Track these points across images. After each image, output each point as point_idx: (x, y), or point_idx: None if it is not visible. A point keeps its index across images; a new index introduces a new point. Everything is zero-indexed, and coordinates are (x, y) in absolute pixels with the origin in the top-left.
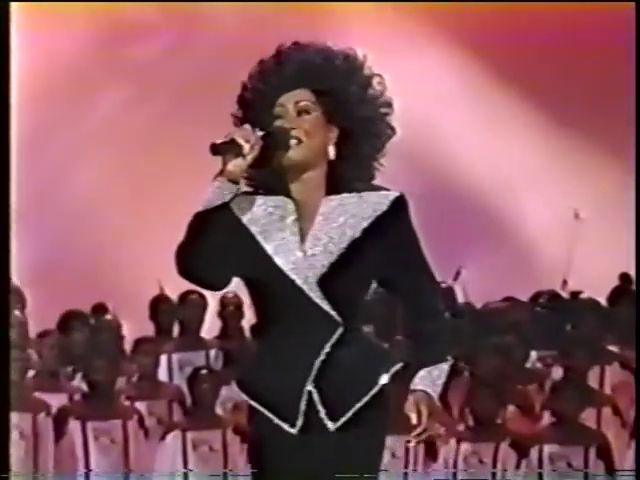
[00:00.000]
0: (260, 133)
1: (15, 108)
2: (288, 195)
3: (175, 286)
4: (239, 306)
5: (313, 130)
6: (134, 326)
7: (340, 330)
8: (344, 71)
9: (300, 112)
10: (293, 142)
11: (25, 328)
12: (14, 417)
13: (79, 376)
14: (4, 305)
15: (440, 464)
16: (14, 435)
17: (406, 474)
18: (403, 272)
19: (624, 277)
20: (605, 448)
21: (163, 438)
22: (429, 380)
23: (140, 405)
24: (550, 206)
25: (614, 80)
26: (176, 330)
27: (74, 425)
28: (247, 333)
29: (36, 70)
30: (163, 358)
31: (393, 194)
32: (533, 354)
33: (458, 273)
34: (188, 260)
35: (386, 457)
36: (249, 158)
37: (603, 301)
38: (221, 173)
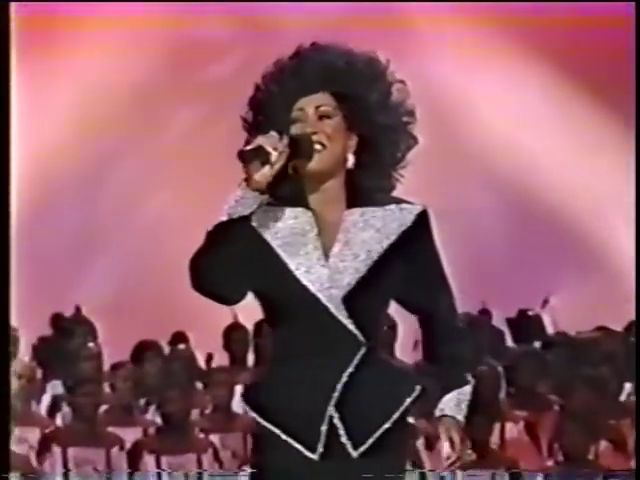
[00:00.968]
0: (286, 140)
1: (91, 129)
2: (307, 206)
3: (250, 314)
4: None
5: (335, 135)
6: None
7: (363, 350)
8: (367, 76)
9: (321, 117)
10: (318, 147)
11: (98, 360)
12: (87, 452)
13: (152, 408)
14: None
15: None
16: (87, 470)
17: None
18: (424, 291)
19: None
20: None
21: (238, 472)
22: (455, 404)
23: (214, 438)
24: None
25: None
26: (251, 359)
27: (148, 459)
28: None
29: (111, 90)
30: (238, 389)
31: (417, 208)
32: (627, 386)
33: (546, 301)
34: (203, 271)
35: None
36: (276, 167)
37: None
38: (246, 182)
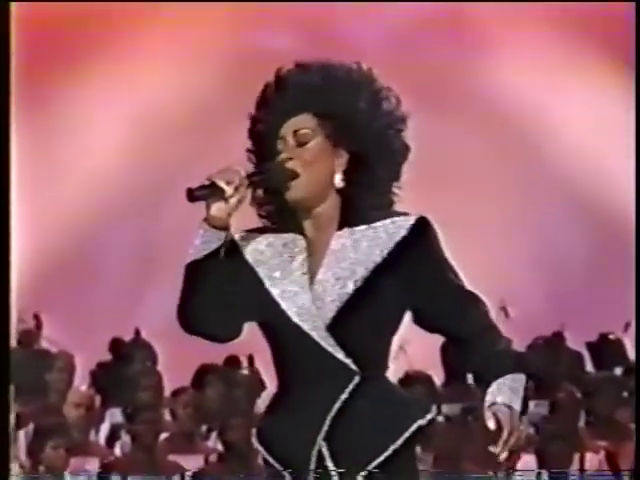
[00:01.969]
0: (244, 173)
1: (144, 150)
2: (301, 232)
3: None
4: None
5: (315, 160)
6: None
7: (356, 380)
8: (348, 88)
9: (300, 142)
10: (289, 177)
11: (158, 386)
12: None
13: (214, 435)
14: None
15: None
16: None
17: None
18: (434, 304)
19: None
20: None
21: None
22: (508, 389)
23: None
24: None
25: None
26: None
27: None
28: None
29: (171, 105)
30: None
31: (412, 218)
32: None
33: (628, 325)
34: (187, 317)
35: None
36: (233, 201)
37: None
38: (205, 221)
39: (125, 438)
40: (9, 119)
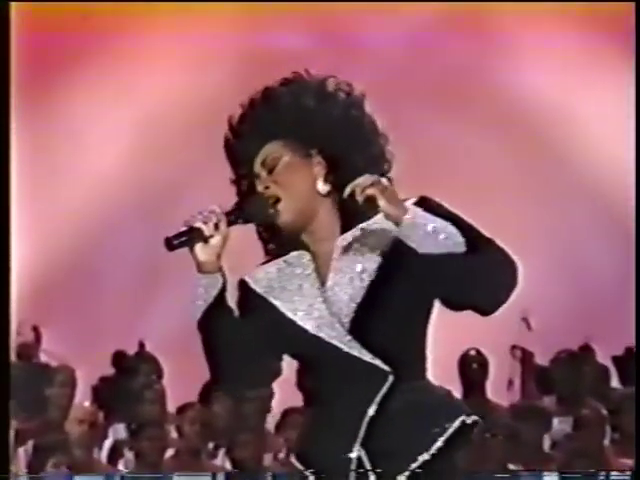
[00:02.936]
0: (219, 212)
1: (149, 153)
2: (306, 248)
3: None
4: None
5: (289, 179)
6: (282, 396)
7: (390, 380)
8: (289, 99)
9: (269, 169)
10: (271, 203)
11: (163, 401)
12: None
13: (222, 453)
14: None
15: None
16: None
17: None
18: (456, 284)
19: None
20: None
21: None
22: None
23: None
24: None
25: None
26: None
27: None
28: None
29: (176, 107)
30: None
31: (410, 200)
32: None
33: None
34: (221, 379)
35: None
36: (215, 241)
37: None
38: (197, 269)
39: (129, 455)
40: (9, 120)
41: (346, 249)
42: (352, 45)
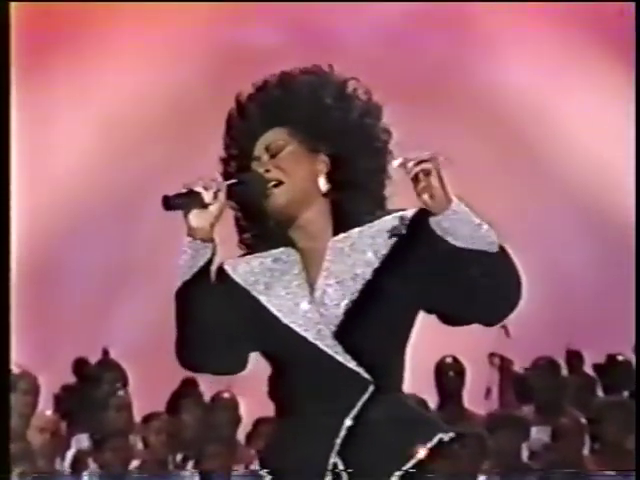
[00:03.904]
0: (221, 181)
1: (115, 154)
2: (292, 244)
3: None
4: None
5: (292, 167)
6: (253, 406)
7: (370, 390)
8: (307, 90)
9: (273, 154)
10: (271, 185)
11: (129, 411)
12: None
13: (190, 464)
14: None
15: None
16: None
17: None
18: (450, 300)
19: None
20: None
21: None
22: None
23: None
24: None
25: None
26: None
27: None
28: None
29: (136, 105)
30: None
31: (410, 211)
32: None
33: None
34: (186, 353)
35: None
36: (213, 209)
37: None
38: (188, 234)
39: (93, 466)
40: (9, 120)
41: (340, 251)
42: (328, 41)
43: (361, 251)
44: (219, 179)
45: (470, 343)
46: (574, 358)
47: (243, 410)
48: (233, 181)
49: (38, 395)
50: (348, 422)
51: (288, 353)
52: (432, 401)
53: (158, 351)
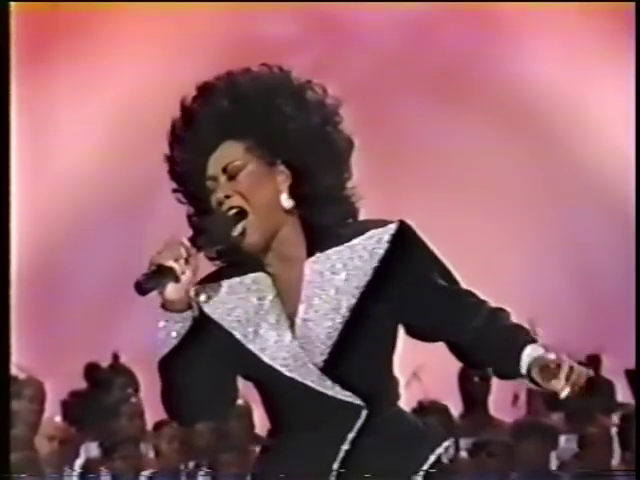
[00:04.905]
0: (189, 245)
1: (123, 154)
2: (262, 269)
3: None
4: None
5: (254, 191)
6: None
7: (364, 415)
8: (262, 97)
9: (231, 176)
10: (234, 212)
11: (140, 418)
12: None
13: (203, 473)
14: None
15: None
16: None
17: None
18: (429, 315)
19: None
20: None
21: None
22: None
23: None
24: None
25: None
26: None
27: None
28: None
29: (143, 104)
30: None
31: (391, 227)
32: None
33: None
34: (177, 416)
35: None
36: (186, 277)
37: None
38: (163, 307)
39: (103, 475)
40: (10, 121)
41: (318, 275)
42: (347, 33)
43: (344, 277)
44: (185, 243)
45: None
46: (593, 362)
47: (256, 417)
48: (194, 237)
49: (44, 402)
50: (345, 447)
51: (274, 390)
52: (456, 409)
53: None
